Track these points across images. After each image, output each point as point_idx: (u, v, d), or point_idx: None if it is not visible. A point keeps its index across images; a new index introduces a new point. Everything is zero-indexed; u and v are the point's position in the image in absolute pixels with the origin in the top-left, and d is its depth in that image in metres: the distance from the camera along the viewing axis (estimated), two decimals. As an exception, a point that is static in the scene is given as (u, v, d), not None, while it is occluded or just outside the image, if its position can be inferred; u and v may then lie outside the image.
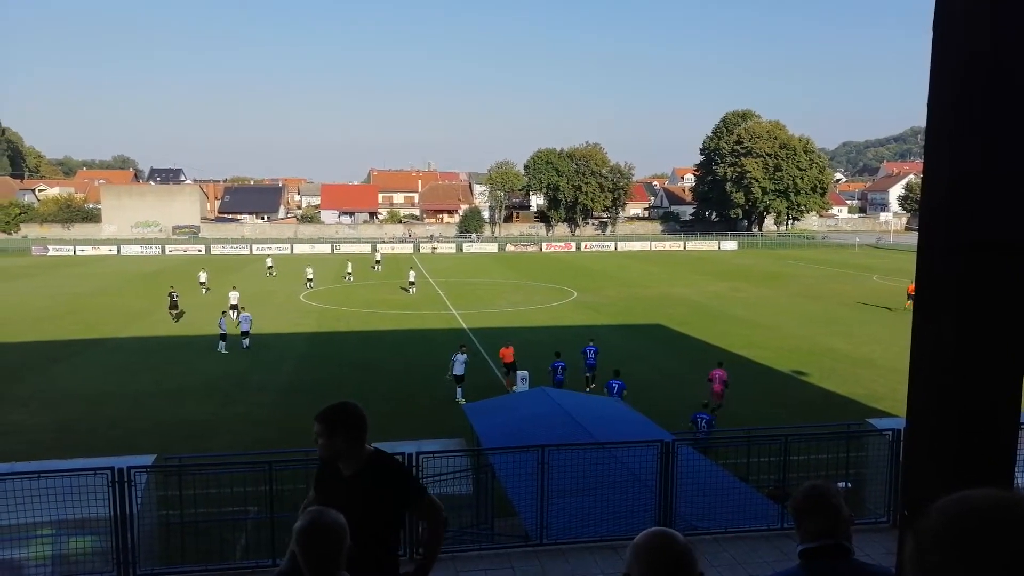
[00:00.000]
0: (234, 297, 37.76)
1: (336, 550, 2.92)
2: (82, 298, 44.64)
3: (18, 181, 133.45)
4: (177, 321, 37.02)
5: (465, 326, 34.97)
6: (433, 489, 9.63)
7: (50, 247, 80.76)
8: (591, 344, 24.95)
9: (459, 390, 22.31)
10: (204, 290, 46.54)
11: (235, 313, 33.36)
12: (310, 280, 49.87)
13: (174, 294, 38.24)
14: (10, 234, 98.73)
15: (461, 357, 22.51)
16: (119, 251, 79.83)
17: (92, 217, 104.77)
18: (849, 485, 11.51)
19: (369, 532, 3.86)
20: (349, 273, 55.48)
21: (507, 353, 23.48)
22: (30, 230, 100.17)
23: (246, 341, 30.03)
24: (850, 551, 2.79)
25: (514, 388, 21.88)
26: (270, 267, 59.47)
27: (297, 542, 2.91)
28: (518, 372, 22.43)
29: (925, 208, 2.12)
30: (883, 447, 10.18)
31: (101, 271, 61.01)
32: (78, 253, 78.99)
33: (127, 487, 8.07)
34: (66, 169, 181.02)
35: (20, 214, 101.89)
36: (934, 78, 2.04)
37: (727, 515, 9.22)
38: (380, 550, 4.01)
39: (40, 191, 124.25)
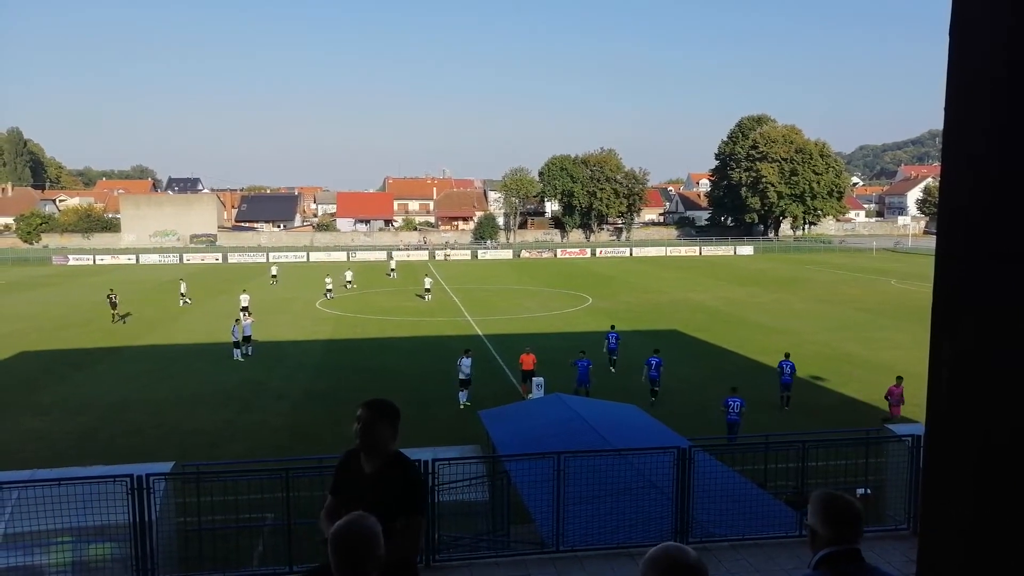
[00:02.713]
0: (244, 300, 38.36)
1: (369, 557, 2.95)
2: (102, 307, 44.99)
3: (39, 192, 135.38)
4: (124, 322, 38.46)
5: (480, 333, 34.99)
6: (449, 496, 9.65)
7: (70, 256, 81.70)
8: (612, 331, 27.94)
9: (464, 393, 22.47)
10: (183, 301, 45.56)
11: (245, 315, 33.75)
12: (329, 291, 49.06)
13: (112, 296, 39.56)
14: (32, 244, 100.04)
15: (467, 361, 22.61)
16: (138, 260, 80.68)
17: (111, 227, 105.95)
18: (868, 492, 11.39)
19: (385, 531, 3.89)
20: (349, 282, 55.19)
21: (527, 360, 23.48)
22: (51, 240, 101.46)
23: (248, 347, 30.26)
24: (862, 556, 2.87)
25: (530, 395, 21.87)
26: (274, 276, 59.24)
27: (331, 546, 2.95)
28: (534, 379, 22.44)
29: (943, 215, 2.10)
30: (903, 453, 10.07)
31: (120, 280, 61.59)
32: (98, 262, 79.87)
33: (146, 494, 8.14)
34: (86, 179, 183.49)
35: (41, 224, 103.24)
36: (951, 83, 2.03)
37: (745, 522, 9.15)
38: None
39: (61, 201, 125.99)
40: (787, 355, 23.20)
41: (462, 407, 22.06)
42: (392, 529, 3.95)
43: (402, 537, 3.92)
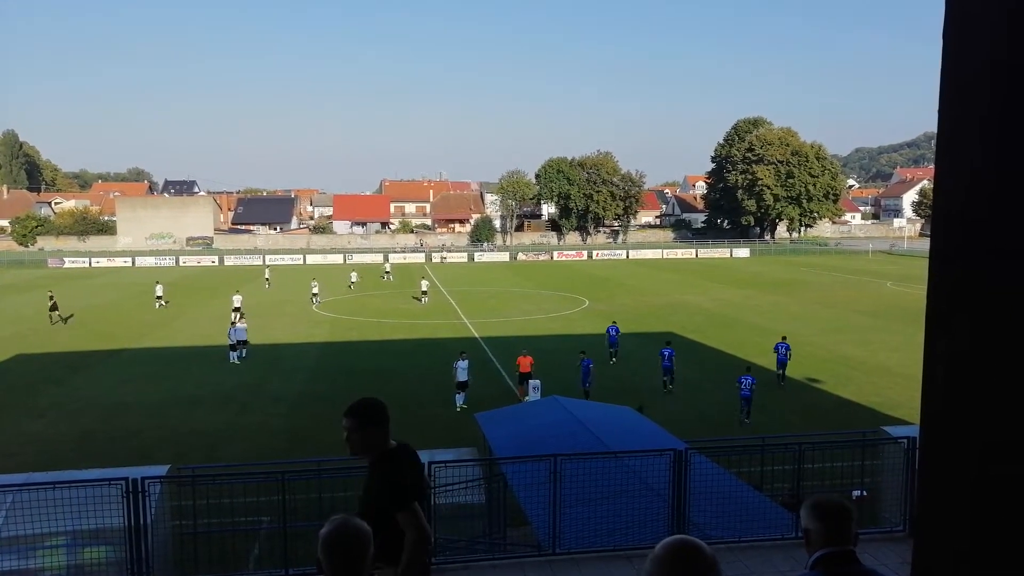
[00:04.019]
0: (237, 300, 38.42)
1: (359, 558, 2.95)
2: (98, 309, 45.01)
3: (35, 194, 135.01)
4: (65, 323, 38.91)
5: (477, 335, 34.97)
6: (446, 498, 9.63)
7: (66, 259, 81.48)
8: (613, 324, 29.63)
9: (461, 396, 22.48)
10: (160, 304, 45.20)
11: (237, 316, 33.75)
12: (315, 295, 48.00)
13: (53, 298, 39.89)
14: (27, 246, 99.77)
15: (463, 364, 22.61)
16: (134, 263, 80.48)
17: (107, 229, 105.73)
18: (864, 493, 11.41)
19: (377, 523, 3.91)
20: (353, 283, 55.67)
21: (524, 362, 23.49)
22: (46, 242, 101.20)
23: (243, 350, 30.09)
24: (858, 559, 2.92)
25: (527, 397, 21.87)
26: (267, 279, 58.75)
27: (321, 549, 2.96)
28: (531, 381, 22.44)
29: (937, 213, 2.11)
30: (899, 455, 10.08)
31: (116, 282, 61.50)
32: (93, 265, 79.65)
33: (141, 497, 8.11)
34: (82, 182, 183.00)
35: (37, 227, 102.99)
36: (945, 84, 2.03)
37: (741, 524, 9.15)
38: (389, 543, 4.00)
39: (56, 204, 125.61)
40: (784, 338, 26.12)
41: (459, 409, 22.05)
42: (388, 521, 4.01)
43: (407, 531, 4.05)
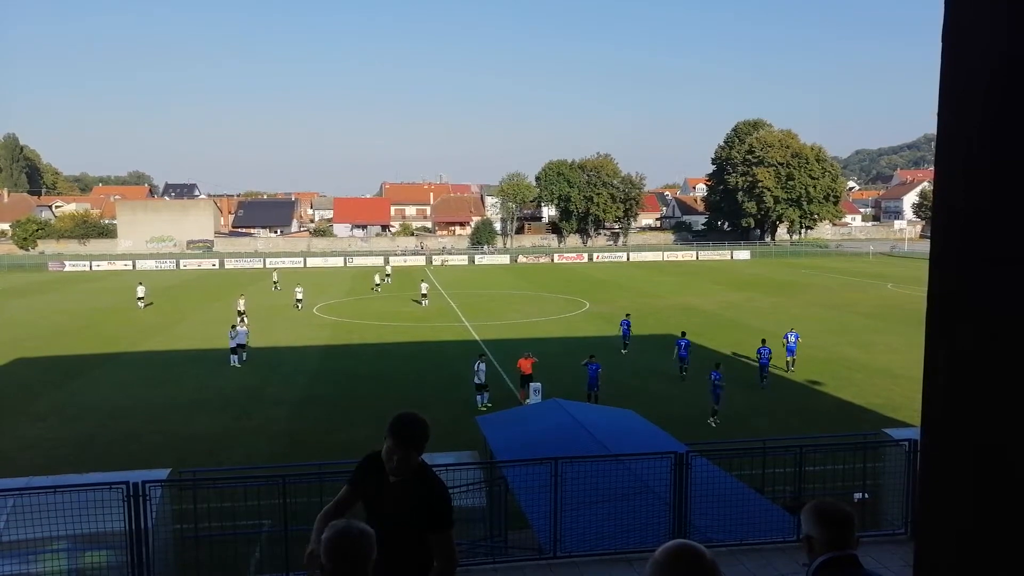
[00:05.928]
0: (240, 303, 38.49)
1: (362, 561, 2.98)
2: (98, 313, 45.01)
3: (36, 198, 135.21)
4: None
5: (478, 338, 34.97)
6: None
7: (67, 263, 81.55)
8: (626, 319, 31.82)
9: (483, 396, 22.64)
10: (142, 305, 45.49)
11: (241, 319, 33.79)
12: (299, 301, 46.21)
13: None
14: (28, 250, 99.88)
15: (482, 367, 22.89)
16: (134, 266, 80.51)
17: (108, 232, 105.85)
18: (866, 496, 11.39)
19: (400, 543, 3.88)
20: (377, 285, 56.04)
21: (525, 365, 23.43)
22: (47, 246, 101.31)
23: (243, 353, 30.11)
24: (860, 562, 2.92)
25: (528, 400, 21.85)
26: (275, 281, 58.97)
27: (325, 552, 2.98)
28: (531, 384, 22.41)
29: (937, 218, 2.10)
30: (900, 457, 10.07)
31: (117, 286, 61.49)
32: (94, 268, 79.70)
33: (142, 501, 8.11)
34: (82, 185, 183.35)
35: (37, 230, 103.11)
36: (944, 86, 2.03)
37: (742, 527, 9.14)
38: (409, 565, 3.98)
39: (57, 207, 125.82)
40: (792, 329, 28.66)
41: (483, 408, 22.07)
42: (405, 542, 3.94)
43: (441, 555, 3.91)
